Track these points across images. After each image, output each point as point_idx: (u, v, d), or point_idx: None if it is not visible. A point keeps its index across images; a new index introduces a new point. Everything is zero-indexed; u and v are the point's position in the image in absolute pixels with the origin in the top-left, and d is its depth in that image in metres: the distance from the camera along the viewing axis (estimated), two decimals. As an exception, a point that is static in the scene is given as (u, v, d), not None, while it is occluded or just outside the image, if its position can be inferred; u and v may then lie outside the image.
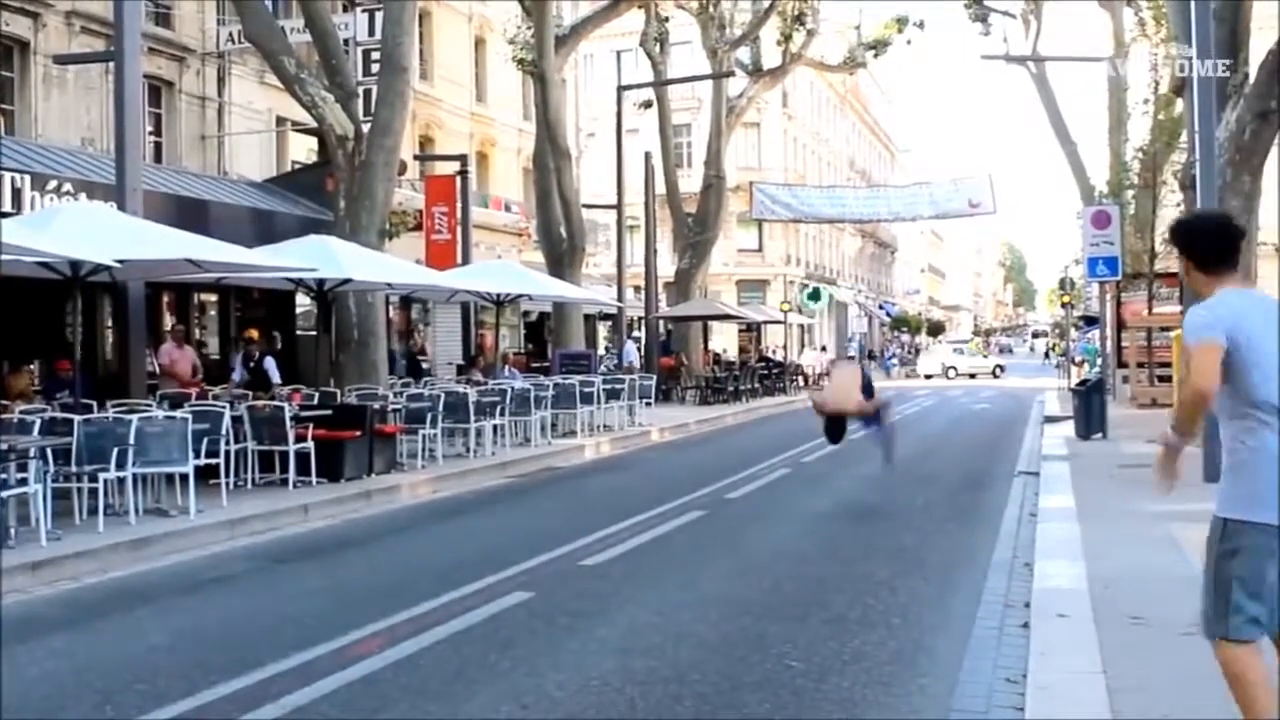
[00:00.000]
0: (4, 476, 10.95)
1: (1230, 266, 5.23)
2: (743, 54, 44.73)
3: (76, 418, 12.75)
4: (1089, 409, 21.70)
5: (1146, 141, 35.89)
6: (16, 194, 19.97)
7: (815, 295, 60.04)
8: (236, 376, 20.75)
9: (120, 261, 13.25)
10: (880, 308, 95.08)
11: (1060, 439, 21.57)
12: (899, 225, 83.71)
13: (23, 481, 11.31)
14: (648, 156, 39.64)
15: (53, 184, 20.77)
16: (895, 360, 69.22)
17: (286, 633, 8.44)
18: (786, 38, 44.24)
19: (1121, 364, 33.56)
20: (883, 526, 13.24)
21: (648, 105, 44.06)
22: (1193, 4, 15.40)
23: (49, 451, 11.86)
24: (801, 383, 47.19)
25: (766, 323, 55.43)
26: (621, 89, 38.16)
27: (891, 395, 21.16)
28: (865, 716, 6.56)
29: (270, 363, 20.41)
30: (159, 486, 13.65)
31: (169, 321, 25.60)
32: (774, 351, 54.56)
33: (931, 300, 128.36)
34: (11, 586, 10.06)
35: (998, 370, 66.90)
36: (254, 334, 21.95)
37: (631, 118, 41.19)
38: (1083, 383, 24.39)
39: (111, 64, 18.76)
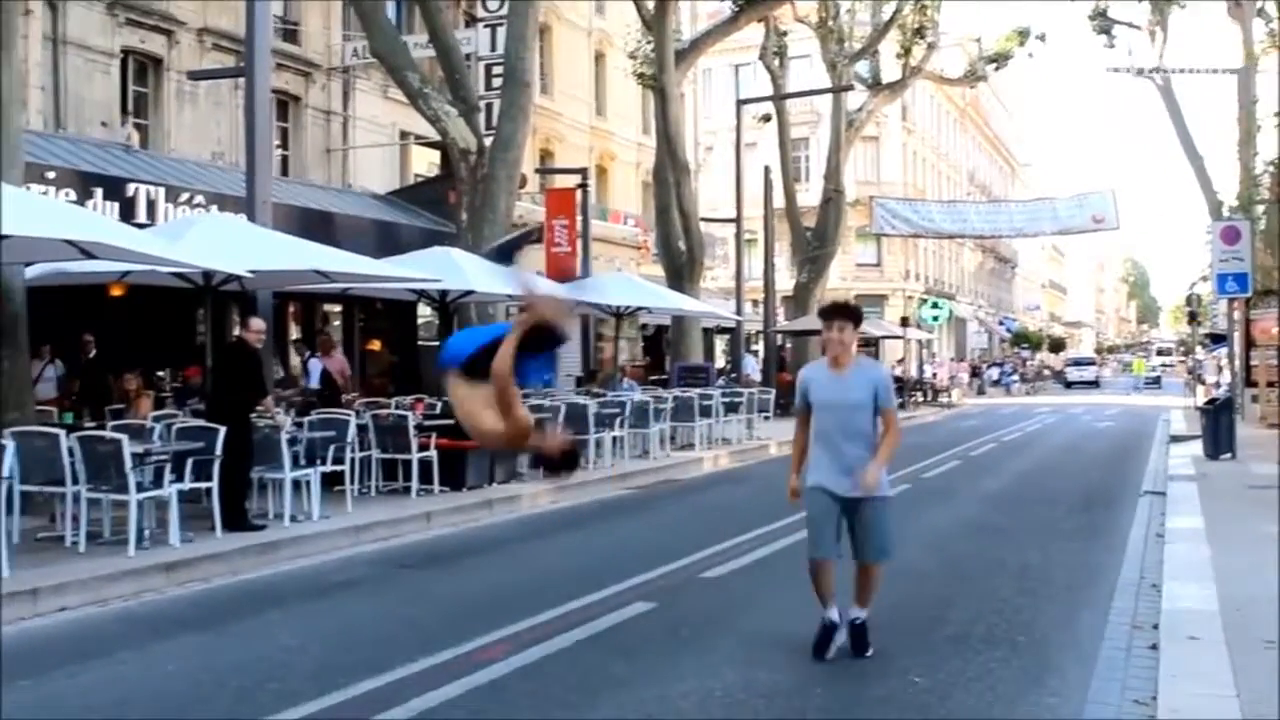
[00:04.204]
0: (139, 480, 11.24)
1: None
2: (862, 68, 44.52)
3: (212, 424, 12.93)
4: (1217, 428, 21.24)
5: (1278, 155, 35.04)
6: (151, 205, 20.51)
7: (935, 308, 59.42)
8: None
9: (252, 272, 13.55)
10: (1000, 323, 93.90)
11: (1187, 458, 21.13)
12: (1019, 240, 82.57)
13: (156, 485, 11.61)
14: (767, 170, 39.57)
15: (185, 196, 21.29)
16: (1016, 378, 68.06)
17: (412, 637, 8.55)
18: (906, 51, 43.96)
19: (1250, 383, 32.82)
20: (1005, 544, 13.07)
21: (766, 119, 44.01)
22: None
23: (183, 457, 12.14)
24: (922, 397, 46.95)
25: (885, 337, 55.02)
26: (741, 103, 38.13)
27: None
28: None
29: (314, 364, 20.54)
30: (286, 492, 13.89)
31: (294, 330, 26.08)
32: (893, 366, 54.13)
33: (1052, 316, 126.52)
34: (147, 586, 10.37)
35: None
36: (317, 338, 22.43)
37: (749, 132, 41.14)
38: (1211, 401, 23.89)
39: (240, 79, 19.20)
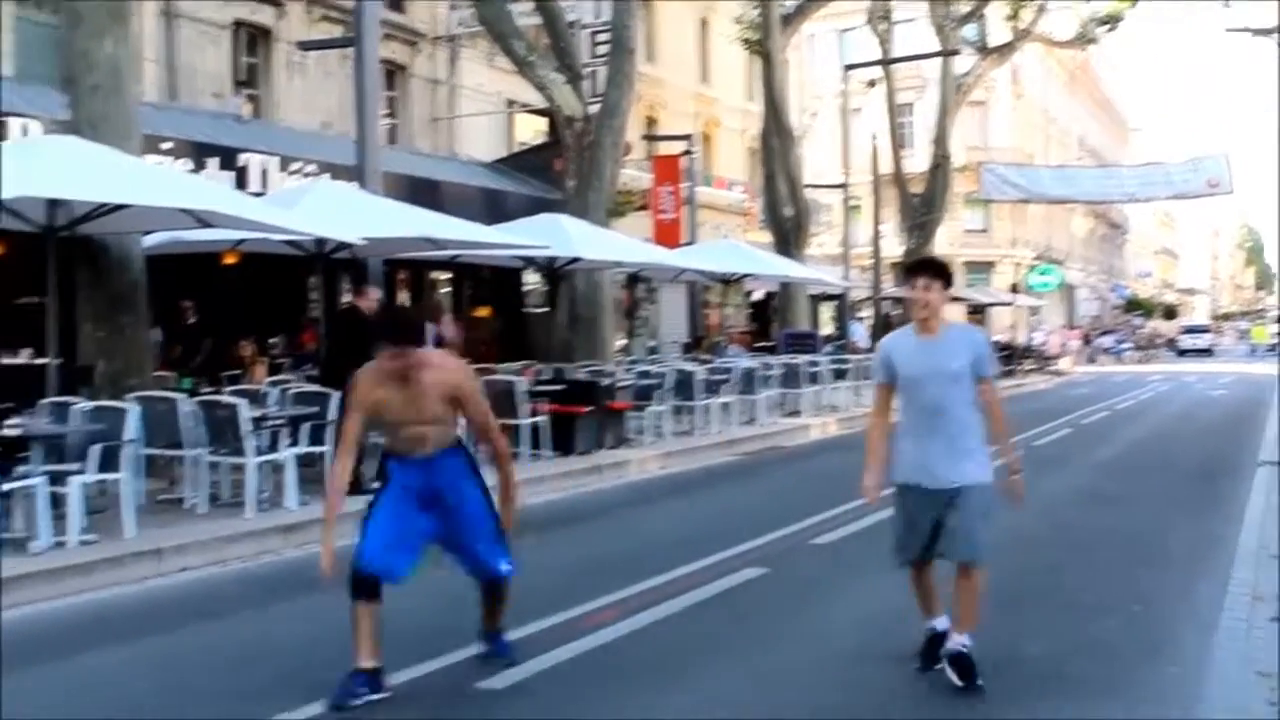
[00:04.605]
0: (257, 444, 11.43)
1: None
2: (970, 31, 43.90)
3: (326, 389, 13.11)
4: (1338, 397, 20.74)
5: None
6: (264, 175, 20.80)
7: (1045, 274, 58.56)
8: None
9: (365, 239, 13.69)
10: (1112, 290, 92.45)
11: (1307, 427, 20.68)
12: (1129, 205, 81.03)
13: (273, 449, 11.81)
14: (874, 137, 39.24)
15: (296, 165, 21.56)
16: (1129, 346, 66.90)
17: (522, 601, 8.53)
18: (1015, 13, 43.27)
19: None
20: (1119, 512, 12.90)
21: (872, 84, 43.58)
22: None
23: (299, 421, 12.34)
24: (1032, 364, 46.38)
25: (993, 304, 54.43)
26: (848, 68, 37.81)
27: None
28: (1109, 704, 6.41)
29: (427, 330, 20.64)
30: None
31: (400, 297, 26.33)
32: (1003, 334, 53.50)
33: (1164, 283, 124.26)
34: (265, 548, 10.58)
35: None
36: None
37: (852, 98, 40.84)
38: (1331, 369, 23.32)
39: (348, 49, 19.37)
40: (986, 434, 6.60)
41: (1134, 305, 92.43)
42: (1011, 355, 43.81)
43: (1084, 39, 49.60)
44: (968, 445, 6.49)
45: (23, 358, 14.83)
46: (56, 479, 9.76)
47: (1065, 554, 10.51)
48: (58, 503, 9.71)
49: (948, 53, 40.31)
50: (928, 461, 6.49)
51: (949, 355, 6.48)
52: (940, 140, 41.62)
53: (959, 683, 6.43)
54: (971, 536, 6.45)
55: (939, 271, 6.63)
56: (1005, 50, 45.22)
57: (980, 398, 6.59)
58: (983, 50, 44.53)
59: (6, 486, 9.49)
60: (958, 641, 6.51)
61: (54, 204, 11.78)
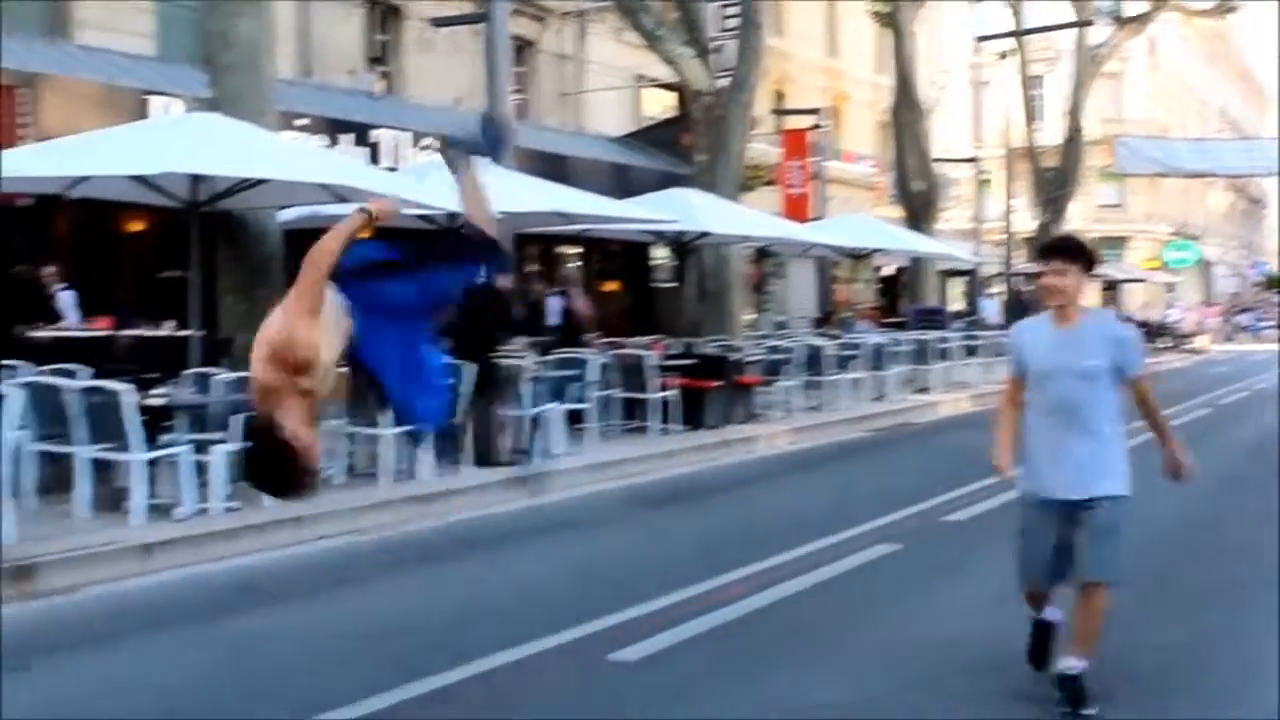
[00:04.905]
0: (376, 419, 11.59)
1: None
2: (1105, 1, 43.00)
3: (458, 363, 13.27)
4: None
5: None
6: (396, 150, 21.06)
7: (1182, 250, 57.22)
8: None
9: (498, 214, 13.76)
10: (1252, 267, 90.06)
11: None
12: (1270, 180, 78.67)
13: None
14: (1007, 110, 38.67)
15: (427, 141, 21.78)
16: (1269, 323, 65.06)
17: (651, 575, 8.59)
18: (1152, -17, 42.37)
19: None
20: (1259, 496, 12.56)
21: (1003, 56, 42.89)
22: None
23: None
24: (1171, 342, 45.44)
25: (1127, 281, 53.33)
26: (980, 39, 37.27)
27: None
28: (1240, 699, 6.25)
29: (553, 302, 20.52)
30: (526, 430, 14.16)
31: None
32: (1137, 311, 52.44)
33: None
34: (401, 518, 10.78)
35: None
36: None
37: (982, 69, 40.27)
38: None
39: (478, 25, 19.52)
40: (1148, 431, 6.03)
41: (1274, 282, 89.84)
42: (1148, 334, 42.89)
43: (1223, 8, 48.36)
44: (1102, 456, 5.73)
45: (166, 329, 15.16)
46: (200, 447, 10.00)
47: (1201, 537, 10.31)
48: (201, 470, 9.94)
49: (1082, 23, 39.54)
50: (1053, 470, 5.76)
51: (1083, 351, 5.70)
52: (1074, 113, 40.90)
53: (1065, 708, 5.68)
54: (1101, 554, 5.66)
55: (1074, 253, 5.80)
56: (1141, 20, 44.21)
57: (1133, 400, 5.89)
58: (1118, 20, 43.59)
59: (153, 455, 9.74)
60: (1072, 664, 5.72)
61: (196, 180, 12.03)
